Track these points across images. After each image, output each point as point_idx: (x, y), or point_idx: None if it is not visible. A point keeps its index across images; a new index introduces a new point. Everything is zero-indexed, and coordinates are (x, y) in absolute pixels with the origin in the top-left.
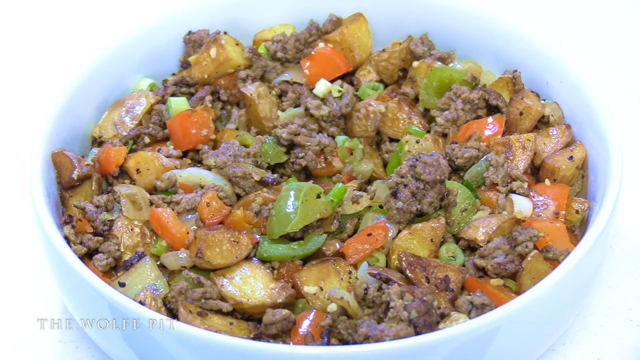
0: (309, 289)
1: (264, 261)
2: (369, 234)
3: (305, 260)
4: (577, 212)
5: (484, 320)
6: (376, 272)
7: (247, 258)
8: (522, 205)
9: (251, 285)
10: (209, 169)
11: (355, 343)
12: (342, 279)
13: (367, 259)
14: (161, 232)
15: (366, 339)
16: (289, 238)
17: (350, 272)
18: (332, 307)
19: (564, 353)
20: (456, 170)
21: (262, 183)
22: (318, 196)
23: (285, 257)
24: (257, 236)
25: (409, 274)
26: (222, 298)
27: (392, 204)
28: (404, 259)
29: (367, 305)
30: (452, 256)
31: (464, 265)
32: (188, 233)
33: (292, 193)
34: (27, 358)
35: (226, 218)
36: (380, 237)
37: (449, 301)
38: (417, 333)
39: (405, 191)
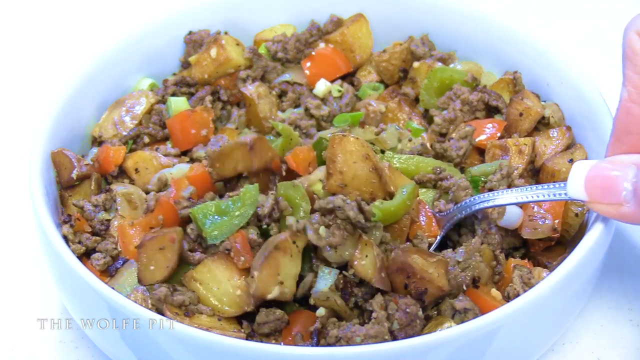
0: (273, 294)
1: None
2: None
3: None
4: (576, 215)
5: (484, 321)
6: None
7: (213, 254)
8: (510, 214)
9: (220, 290)
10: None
11: (328, 344)
12: (290, 256)
13: None
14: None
15: (337, 341)
16: (222, 197)
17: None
18: (321, 311)
19: (564, 353)
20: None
21: None
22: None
23: (233, 227)
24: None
25: (391, 276)
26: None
27: None
28: (397, 259)
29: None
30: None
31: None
32: (136, 247)
33: None
34: (27, 358)
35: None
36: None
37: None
38: (394, 339)
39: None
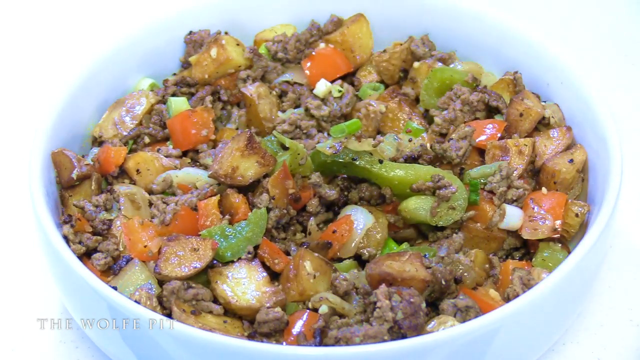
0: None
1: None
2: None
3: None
4: (576, 215)
5: (484, 321)
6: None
7: (247, 260)
8: (511, 217)
9: (244, 286)
10: (206, 168)
11: (327, 345)
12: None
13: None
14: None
15: (337, 342)
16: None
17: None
18: (324, 309)
19: (564, 353)
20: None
21: None
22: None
23: (245, 247)
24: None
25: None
26: (215, 299)
27: None
28: (373, 275)
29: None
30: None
31: None
32: (145, 246)
33: None
34: (27, 358)
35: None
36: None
37: None
38: (402, 335)
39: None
